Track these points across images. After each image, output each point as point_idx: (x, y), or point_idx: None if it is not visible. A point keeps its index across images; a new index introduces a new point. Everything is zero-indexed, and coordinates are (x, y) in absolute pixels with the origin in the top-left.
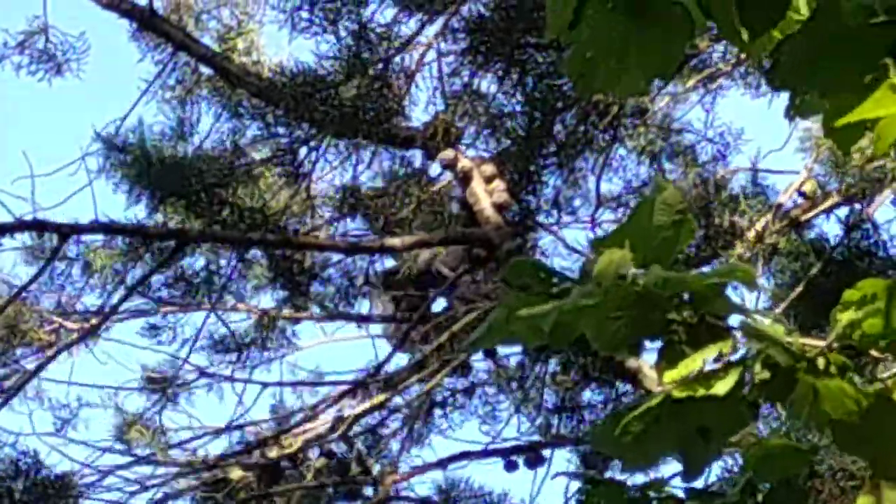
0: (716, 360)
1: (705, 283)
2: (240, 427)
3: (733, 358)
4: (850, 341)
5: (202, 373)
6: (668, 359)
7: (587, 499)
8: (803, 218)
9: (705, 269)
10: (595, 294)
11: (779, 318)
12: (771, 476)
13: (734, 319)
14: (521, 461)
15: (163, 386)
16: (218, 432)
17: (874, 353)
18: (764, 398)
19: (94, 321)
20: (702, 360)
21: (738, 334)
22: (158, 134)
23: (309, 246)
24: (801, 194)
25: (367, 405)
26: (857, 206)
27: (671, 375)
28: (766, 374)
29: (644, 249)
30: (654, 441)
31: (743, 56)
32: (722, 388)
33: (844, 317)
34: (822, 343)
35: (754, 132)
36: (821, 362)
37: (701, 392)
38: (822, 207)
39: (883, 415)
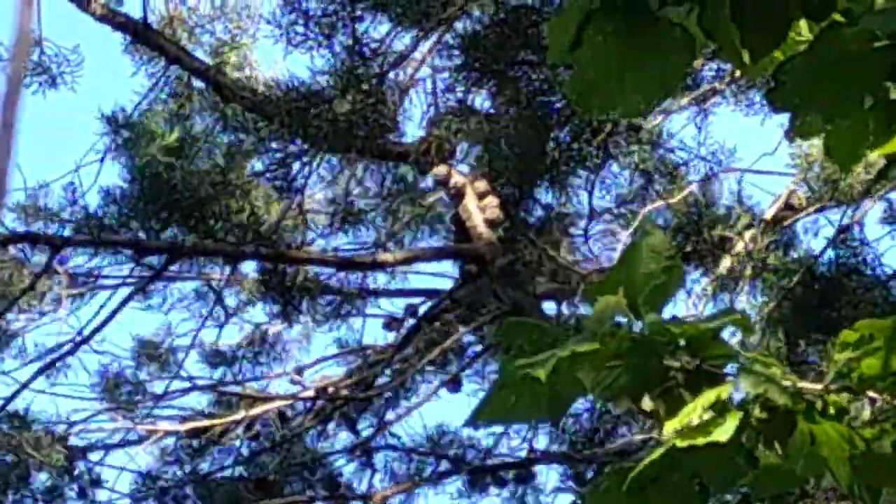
0: (715, 406)
1: (702, 329)
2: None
3: (732, 404)
4: (848, 382)
5: (192, 383)
6: (667, 406)
7: None
8: (787, 223)
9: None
10: (591, 342)
11: (774, 362)
12: (765, 493)
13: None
14: (510, 476)
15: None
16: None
17: (872, 393)
18: (763, 441)
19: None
20: (701, 406)
21: (736, 379)
22: (153, 146)
23: (301, 260)
24: (789, 207)
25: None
26: (846, 222)
27: (672, 424)
28: (765, 415)
29: (636, 296)
30: (657, 495)
31: (737, 74)
32: (723, 434)
33: (841, 357)
34: (819, 386)
35: (745, 149)
36: (819, 404)
37: (702, 440)
38: (808, 217)
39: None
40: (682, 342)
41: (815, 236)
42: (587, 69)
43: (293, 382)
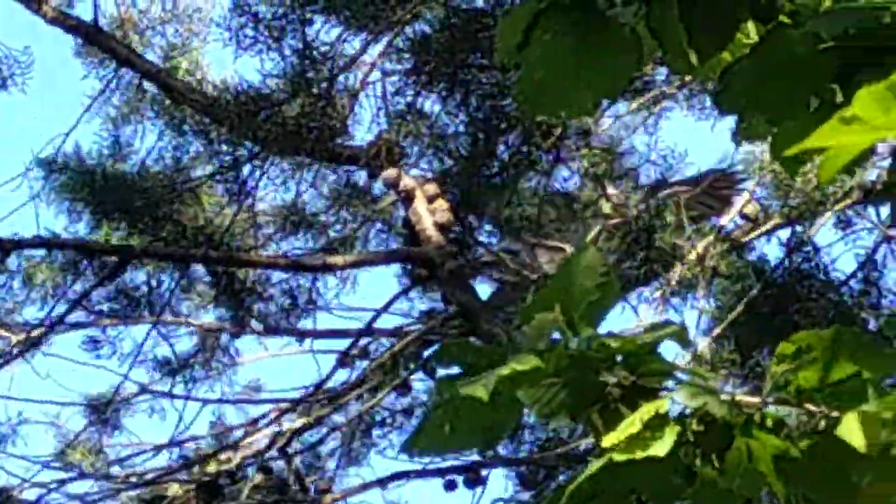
0: (653, 420)
1: (638, 344)
2: (179, 444)
3: (670, 417)
4: (786, 394)
5: (143, 389)
6: (605, 422)
7: None
8: (745, 239)
9: (646, 295)
10: (531, 359)
11: (710, 375)
12: None
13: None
14: (460, 481)
15: (104, 404)
16: (158, 448)
17: (810, 406)
18: (700, 455)
19: (35, 334)
20: (640, 420)
21: (674, 393)
22: (102, 150)
23: (251, 263)
24: (743, 216)
25: (306, 420)
26: (799, 228)
27: (610, 439)
28: (702, 429)
29: (572, 312)
30: None
31: (688, 78)
32: (661, 448)
33: (779, 370)
34: (756, 399)
35: (698, 154)
36: (756, 417)
37: (640, 454)
38: (763, 229)
39: (826, 453)
40: (618, 357)
41: (769, 241)
42: (536, 69)
43: (248, 434)
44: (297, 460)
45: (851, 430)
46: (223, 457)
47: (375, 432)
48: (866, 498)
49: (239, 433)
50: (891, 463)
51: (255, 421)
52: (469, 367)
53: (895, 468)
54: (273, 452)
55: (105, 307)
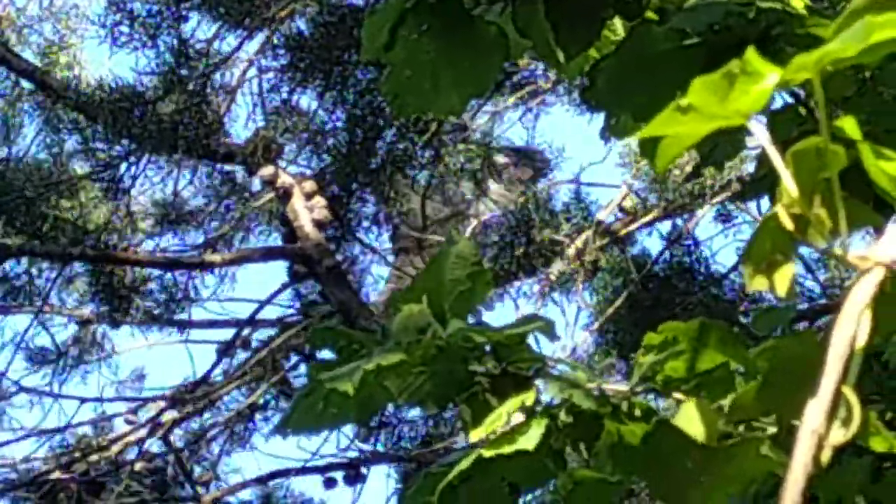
0: (522, 411)
1: (506, 335)
2: (60, 430)
3: (539, 409)
4: (654, 384)
5: (21, 388)
6: (473, 411)
7: None
8: (623, 232)
9: (525, 289)
10: (397, 352)
11: (579, 366)
12: None
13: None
14: (339, 478)
15: None
16: (40, 433)
17: (678, 395)
18: (570, 444)
19: None
20: (507, 413)
21: (542, 383)
22: None
23: (129, 261)
24: (622, 210)
25: (187, 410)
26: (678, 221)
27: (478, 433)
28: (571, 419)
29: (442, 303)
30: (467, 495)
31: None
32: (529, 442)
33: (646, 360)
34: (624, 388)
35: (577, 148)
36: (624, 406)
37: (508, 449)
38: (642, 221)
39: (662, 441)
40: (487, 348)
41: (649, 235)
42: (401, 69)
43: (128, 423)
44: (178, 445)
45: (689, 419)
46: (103, 443)
47: (257, 416)
48: (700, 488)
49: (120, 423)
50: (726, 453)
51: (135, 411)
52: (341, 351)
53: (730, 458)
54: (154, 439)
55: None
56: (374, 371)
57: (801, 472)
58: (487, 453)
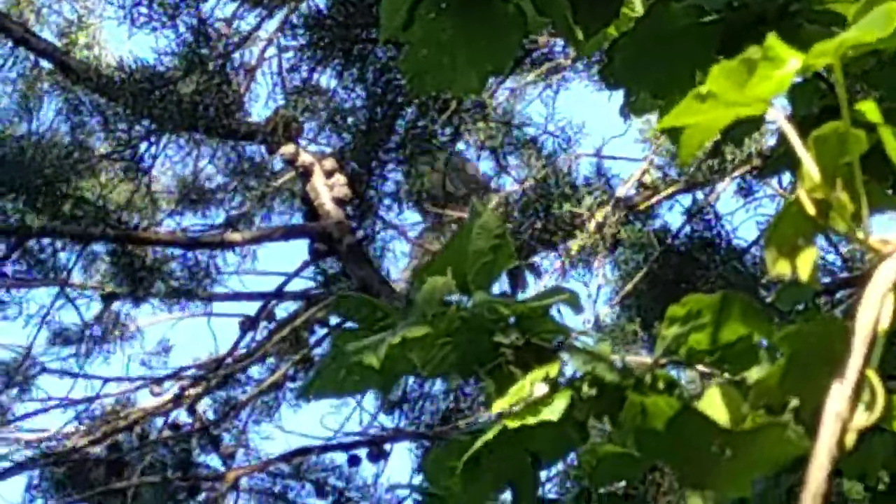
0: (546, 383)
1: (530, 306)
2: (87, 401)
3: (562, 380)
4: (677, 357)
5: (44, 369)
6: (497, 382)
7: None
8: (644, 206)
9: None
10: (421, 324)
11: (603, 337)
12: (605, 482)
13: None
14: (363, 455)
15: (8, 373)
16: (67, 404)
17: (701, 368)
18: (593, 416)
19: None
20: (530, 384)
21: (566, 356)
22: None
23: (150, 241)
24: (642, 184)
25: (211, 385)
26: (699, 195)
27: (501, 404)
28: (594, 391)
29: (465, 275)
30: (487, 469)
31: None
32: (553, 413)
33: (670, 332)
34: (647, 360)
35: (597, 124)
36: (647, 378)
37: (532, 419)
38: (663, 195)
39: (686, 425)
40: (511, 319)
41: (670, 210)
42: (420, 48)
43: (153, 395)
44: (204, 416)
45: (713, 403)
46: (130, 414)
47: (283, 390)
48: (725, 471)
49: (145, 397)
50: (750, 436)
51: (160, 381)
52: (365, 320)
53: (755, 442)
54: (179, 413)
55: (10, 270)
56: (399, 344)
57: (825, 456)
58: (511, 424)
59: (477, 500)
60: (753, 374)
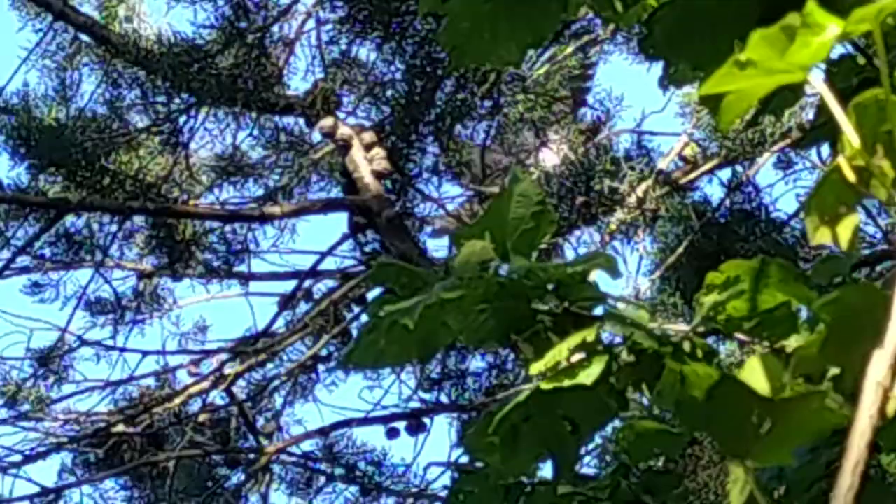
0: (583, 348)
1: (568, 273)
2: (123, 382)
3: (600, 347)
4: (716, 324)
5: (83, 341)
6: (535, 349)
7: (457, 488)
8: (684, 180)
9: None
10: (458, 287)
11: (641, 305)
12: (644, 458)
13: (600, 307)
14: (402, 428)
15: (46, 355)
16: (102, 387)
17: (740, 335)
18: (631, 384)
19: None
20: (567, 349)
21: (604, 323)
22: (40, 101)
23: (189, 214)
24: (682, 158)
25: (249, 362)
26: (739, 168)
27: (538, 367)
28: (632, 359)
29: (504, 241)
30: (526, 439)
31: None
32: (589, 377)
33: (708, 300)
34: (686, 328)
35: (636, 97)
36: (686, 346)
37: (568, 382)
38: (703, 169)
39: (727, 395)
40: (549, 286)
41: (710, 183)
42: (459, 20)
43: (190, 375)
44: (241, 396)
45: (753, 372)
46: (167, 397)
47: (320, 367)
48: (765, 441)
49: (183, 376)
50: (791, 406)
51: (197, 363)
52: (402, 288)
53: (795, 411)
54: (218, 392)
55: (47, 251)
56: (436, 305)
57: (866, 424)
58: (546, 386)
59: (517, 473)
60: (793, 342)
